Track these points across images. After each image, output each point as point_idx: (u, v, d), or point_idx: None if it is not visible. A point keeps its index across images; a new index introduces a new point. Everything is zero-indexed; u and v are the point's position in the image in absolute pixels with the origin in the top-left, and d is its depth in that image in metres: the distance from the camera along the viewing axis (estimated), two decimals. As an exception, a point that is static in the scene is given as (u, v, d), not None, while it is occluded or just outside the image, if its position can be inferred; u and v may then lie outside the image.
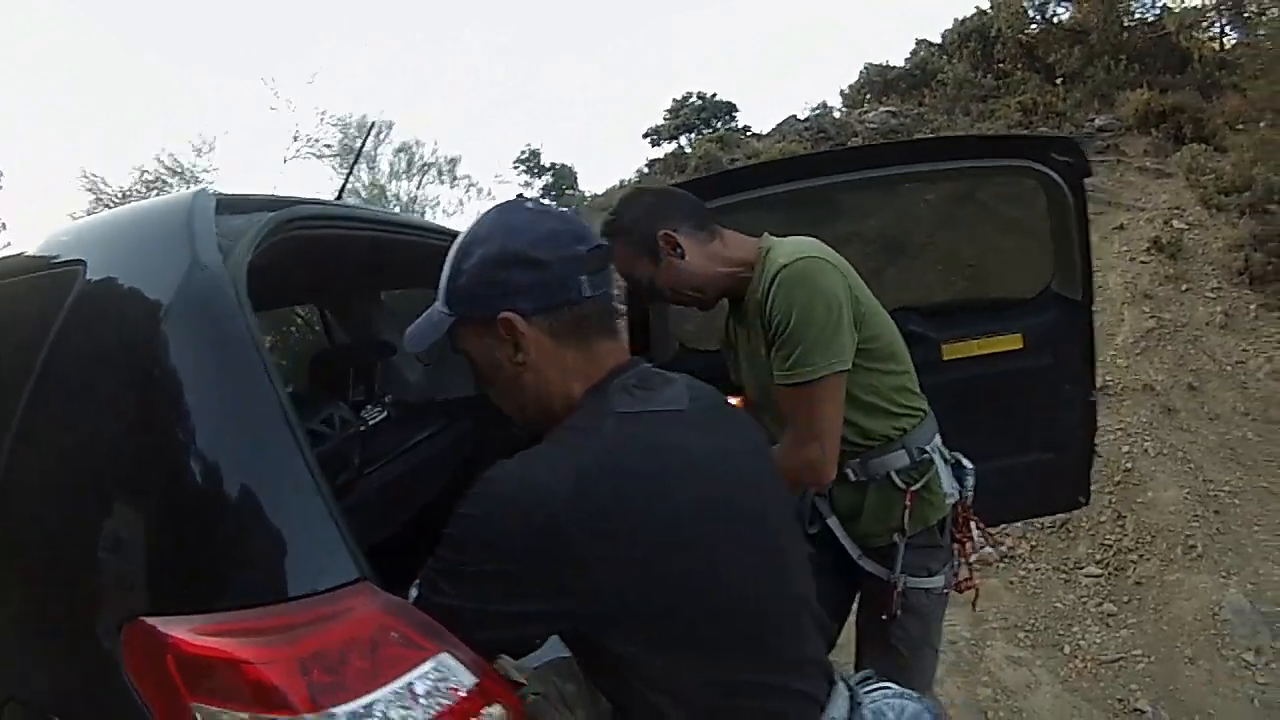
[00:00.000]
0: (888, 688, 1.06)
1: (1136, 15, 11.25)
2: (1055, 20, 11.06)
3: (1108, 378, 4.88)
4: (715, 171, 7.18)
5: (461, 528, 0.87)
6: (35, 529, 1.05)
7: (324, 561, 0.86)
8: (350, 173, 3.42)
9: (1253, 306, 6.08)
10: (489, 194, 13.66)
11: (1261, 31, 9.83)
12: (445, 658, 0.84)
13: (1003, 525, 3.83)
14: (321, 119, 8.20)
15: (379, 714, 0.78)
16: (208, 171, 8.63)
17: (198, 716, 0.80)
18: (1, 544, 1.10)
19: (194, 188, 2.71)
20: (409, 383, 2.89)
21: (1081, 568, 3.75)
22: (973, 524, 1.71)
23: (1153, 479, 4.16)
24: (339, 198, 2.56)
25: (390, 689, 0.80)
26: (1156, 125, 9.18)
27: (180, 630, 0.82)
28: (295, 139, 7.35)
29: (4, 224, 7.72)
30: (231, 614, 0.83)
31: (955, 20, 11.52)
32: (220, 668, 0.80)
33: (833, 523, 1.65)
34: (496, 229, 0.99)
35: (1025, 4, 10.92)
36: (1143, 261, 6.13)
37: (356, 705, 0.78)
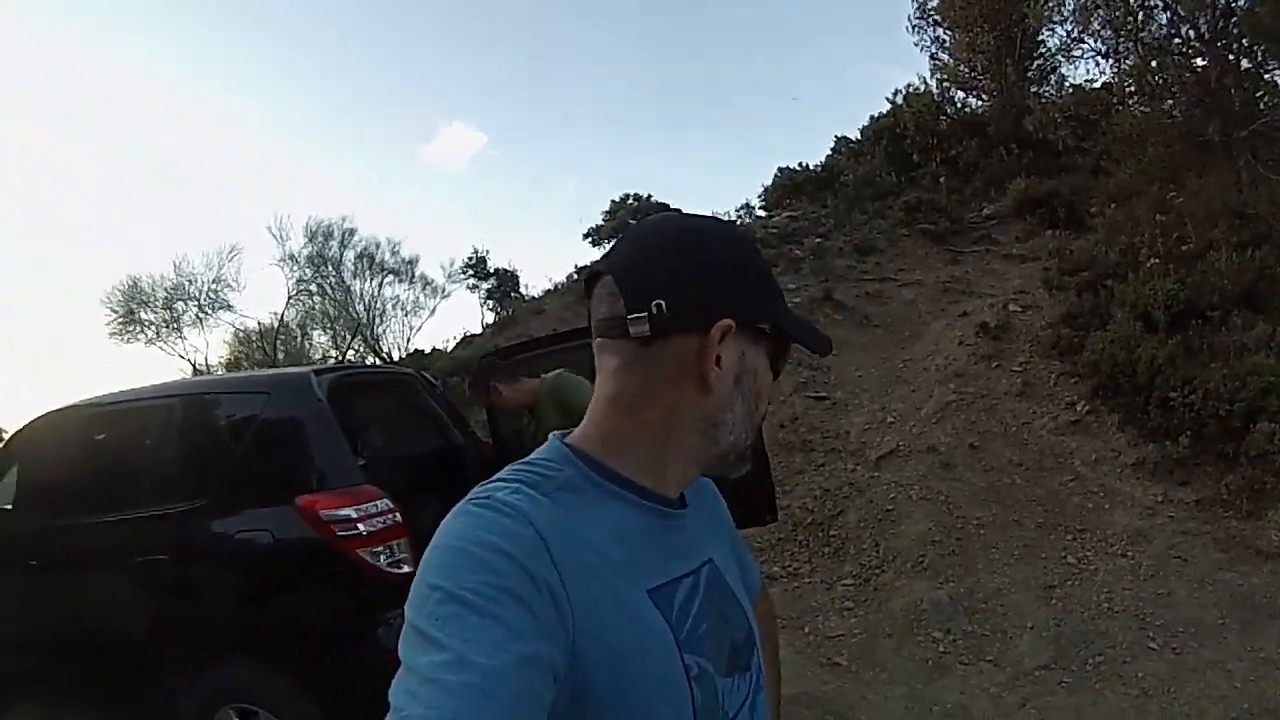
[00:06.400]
0: None
1: (1042, 101, 12.77)
2: (965, 110, 12.63)
3: (900, 443, 6.80)
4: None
5: None
6: (265, 474, 3.50)
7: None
8: (341, 355, 5.57)
9: (1053, 375, 7.84)
10: (444, 293, 16.37)
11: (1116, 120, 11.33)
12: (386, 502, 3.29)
13: (791, 553, 5.86)
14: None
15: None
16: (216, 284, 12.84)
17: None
18: (249, 483, 3.51)
19: (307, 365, 5.18)
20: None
21: (842, 580, 5.71)
22: None
23: (909, 517, 6.10)
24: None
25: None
26: (1032, 211, 10.72)
27: (307, 498, 3.29)
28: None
29: None
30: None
31: (870, 118, 13.07)
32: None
33: None
34: None
35: (935, 97, 12.45)
36: (967, 344, 7.95)
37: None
